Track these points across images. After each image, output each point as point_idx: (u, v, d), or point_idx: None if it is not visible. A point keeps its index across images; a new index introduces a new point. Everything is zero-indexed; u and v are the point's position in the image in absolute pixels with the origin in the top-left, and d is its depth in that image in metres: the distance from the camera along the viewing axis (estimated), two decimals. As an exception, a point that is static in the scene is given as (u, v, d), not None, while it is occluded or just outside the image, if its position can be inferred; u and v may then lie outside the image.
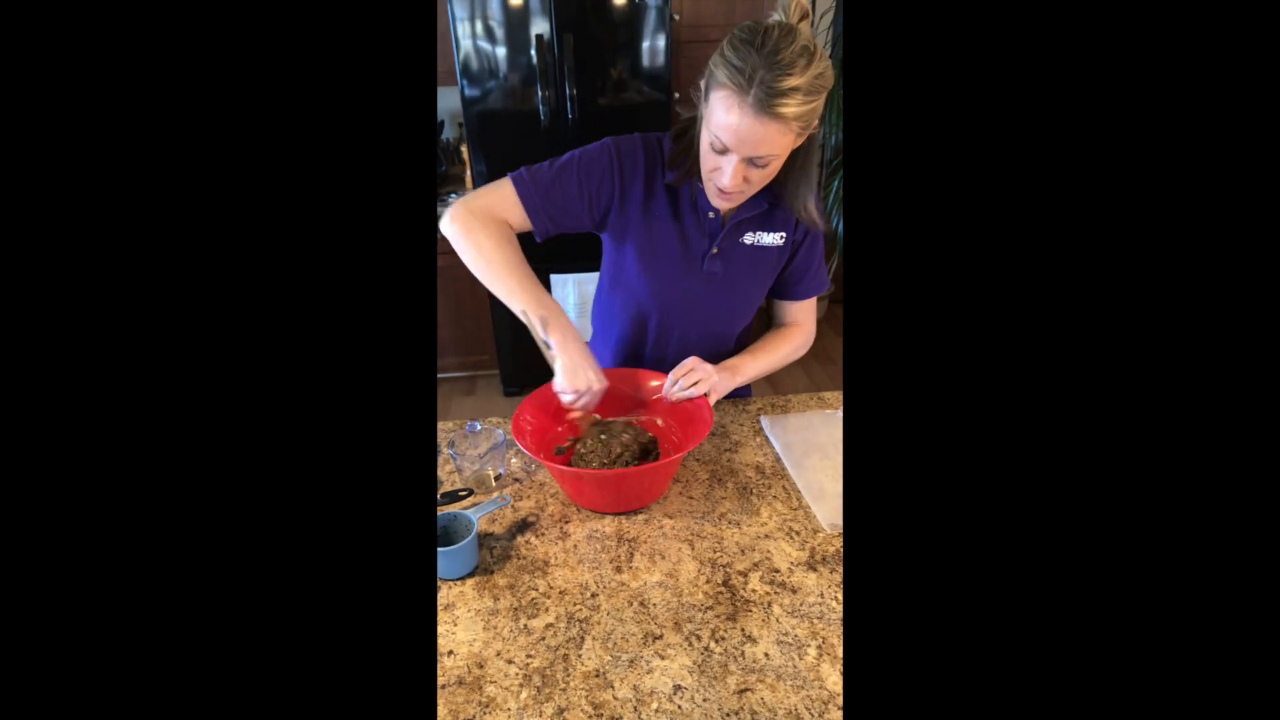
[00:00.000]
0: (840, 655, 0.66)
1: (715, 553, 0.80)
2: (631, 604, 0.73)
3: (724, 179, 0.81)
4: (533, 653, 0.67)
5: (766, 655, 0.67)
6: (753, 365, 1.02)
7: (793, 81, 0.71)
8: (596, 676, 0.65)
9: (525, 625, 0.70)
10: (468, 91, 2.16)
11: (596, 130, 2.22)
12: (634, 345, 1.08)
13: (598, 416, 0.97)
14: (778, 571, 0.77)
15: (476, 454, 0.92)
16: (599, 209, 0.95)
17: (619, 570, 0.78)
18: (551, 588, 0.75)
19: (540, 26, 2.08)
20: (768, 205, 0.95)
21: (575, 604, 0.73)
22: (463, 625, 0.71)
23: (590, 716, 0.61)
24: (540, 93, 2.16)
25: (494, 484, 0.93)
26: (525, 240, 0.94)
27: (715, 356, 1.02)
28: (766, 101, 0.72)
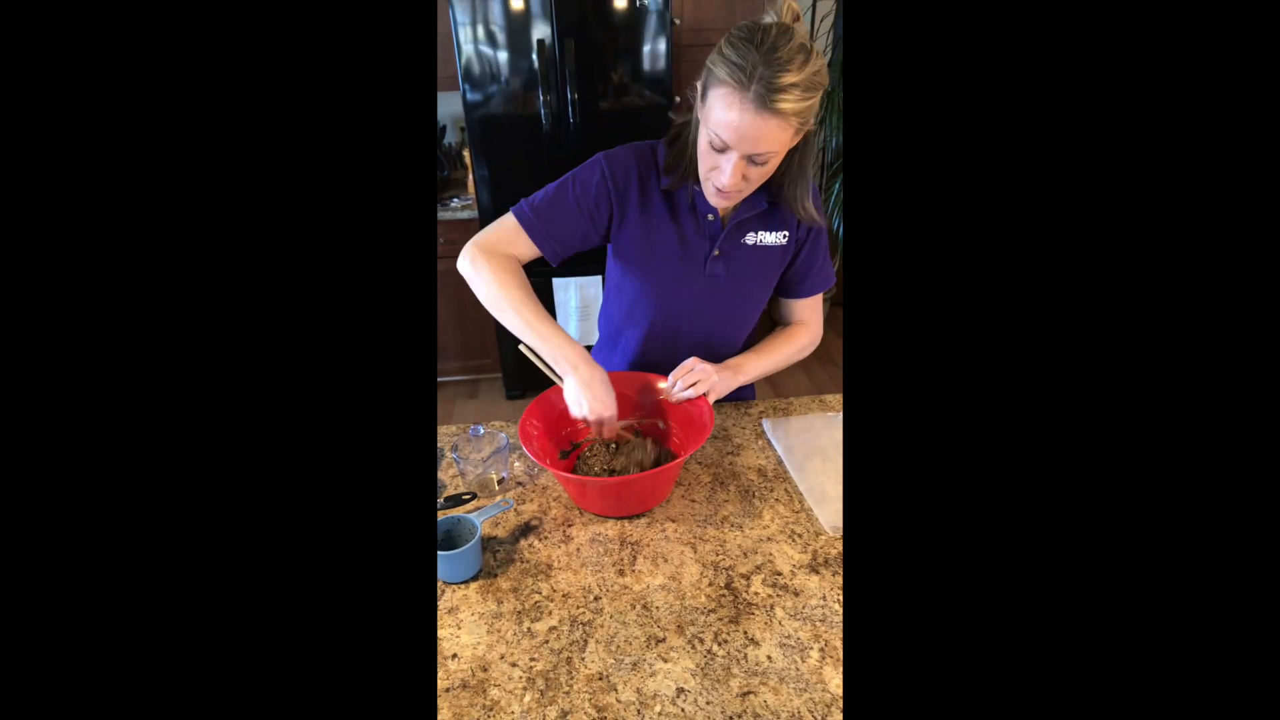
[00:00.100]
0: (842, 658, 0.67)
1: (718, 556, 0.80)
2: (634, 607, 0.73)
3: (723, 178, 0.82)
4: (536, 656, 0.68)
5: (769, 658, 0.67)
6: (756, 364, 1.02)
7: (791, 77, 0.72)
8: (600, 679, 0.65)
9: (529, 628, 0.71)
10: (470, 96, 2.17)
11: (598, 134, 2.23)
12: (639, 350, 1.09)
13: (624, 434, 0.97)
14: (780, 574, 0.77)
15: (480, 458, 0.92)
16: (601, 224, 0.96)
17: (622, 573, 0.78)
18: (555, 591, 0.76)
19: (542, 31, 2.09)
20: (767, 204, 0.95)
21: (578, 607, 0.73)
22: (466, 628, 0.71)
23: (593, 719, 0.61)
24: (542, 97, 2.17)
25: (497, 488, 0.93)
26: (537, 266, 0.96)
27: (721, 358, 1.02)
28: (766, 97, 0.73)
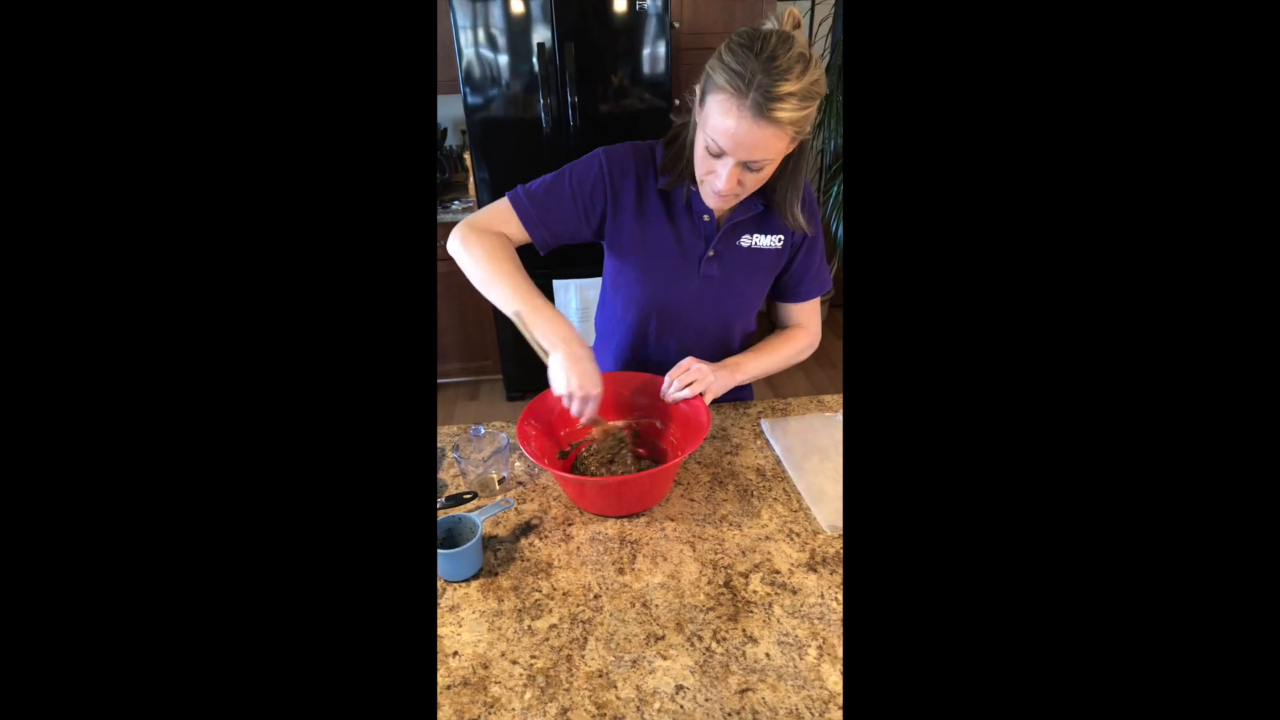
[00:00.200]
0: (840, 655, 0.67)
1: (716, 554, 0.81)
2: (634, 605, 0.74)
3: (719, 182, 0.83)
4: (536, 653, 0.68)
5: (767, 655, 0.67)
6: (754, 364, 1.03)
7: (790, 86, 0.73)
8: (600, 677, 0.66)
9: (529, 626, 0.71)
10: (470, 99, 2.18)
11: (598, 137, 2.24)
12: (635, 349, 1.10)
13: (606, 423, 0.98)
14: (778, 573, 0.78)
15: (480, 458, 0.93)
16: (594, 218, 0.97)
17: (621, 572, 0.79)
18: (555, 589, 0.76)
19: (542, 35, 2.10)
20: (763, 207, 0.96)
21: (578, 605, 0.74)
22: (467, 626, 0.71)
23: (594, 716, 0.62)
24: (542, 100, 2.18)
25: (498, 487, 0.94)
26: (530, 249, 0.96)
27: (717, 359, 1.03)
28: (764, 105, 0.73)
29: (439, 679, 0.66)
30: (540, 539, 0.84)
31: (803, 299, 1.07)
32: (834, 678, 0.65)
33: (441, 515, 0.82)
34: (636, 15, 2.11)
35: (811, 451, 0.98)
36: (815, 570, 0.78)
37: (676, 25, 2.33)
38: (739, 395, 1.17)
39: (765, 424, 1.05)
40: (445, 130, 2.80)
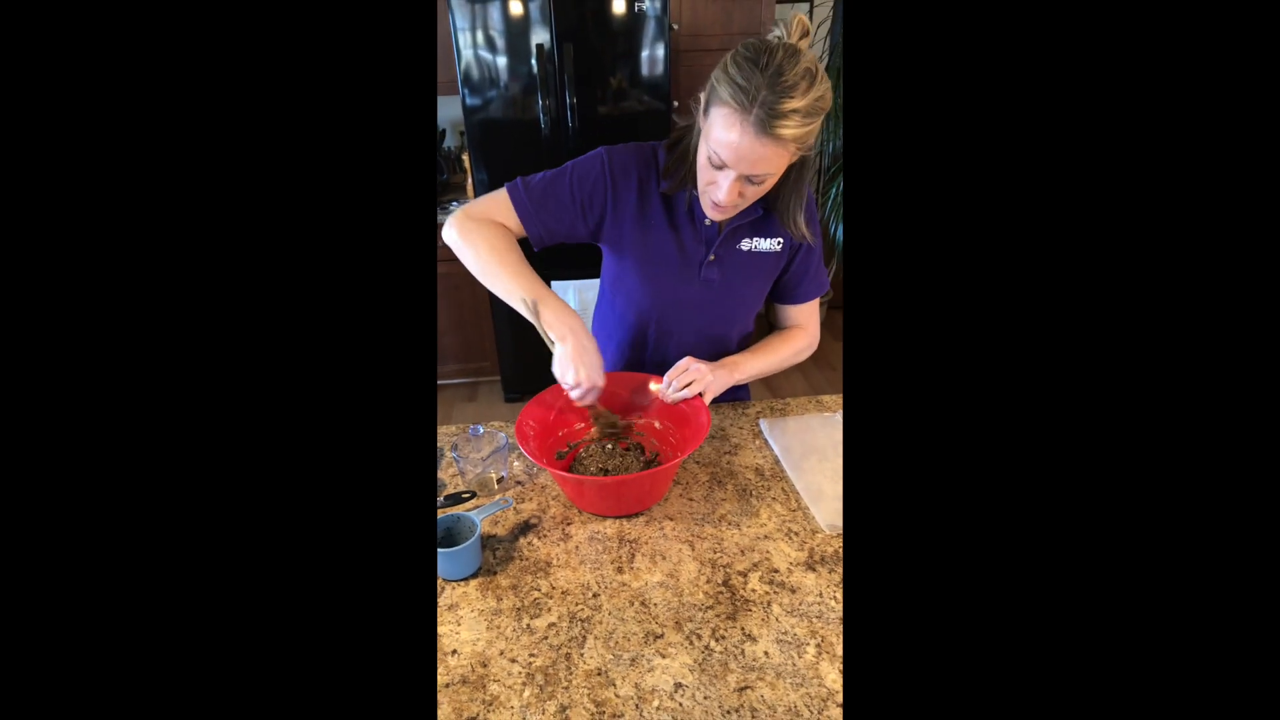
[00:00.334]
0: (838, 653, 0.67)
1: (715, 553, 0.81)
2: (633, 604, 0.74)
3: (720, 194, 0.83)
4: (535, 652, 0.68)
5: (766, 654, 0.67)
6: (752, 364, 1.03)
7: (794, 104, 0.72)
8: (598, 675, 0.66)
9: (528, 625, 0.71)
10: (469, 100, 2.18)
11: (597, 138, 2.24)
12: (634, 351, 1.10)
13: (606, 411, 0.98)
14: (777, 571, 0.78)
15: (479, 457, 0.93)
16: (592, 218, 0.96)
17: (620, 571, 0.79)
18: (554, 588, 0.76)
19: (540, 36, 2.10)
20: (763, 211, 0.96)
21: (577, 604, 0.74)
22: (466, 625, 0.72)
23: (592, 714, 0.62)
24: (541, 101, 2.19)
25: (496, 486, 0.94)
26: (527, 250, 0.96)
27: (715, 360, 1.03)
28: (767, 122, 0.73)
29: (438, 677, 0.66)
30: (539, 538, 0.84)
31: (801, 301, 1.08)
32: (832, 676, 0.65)
33: (440, 514, 0.82)
34: (635, 17, 2.11)
35: (810, 451, 0.98)
36: (814, 569, 0.78)
37: (675, 27, 2.34)
38: (737, 396, 1.17)
39: (764, 424, 1.06)
40: (444, 131, 2.80)
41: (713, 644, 0.69)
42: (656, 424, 0.99)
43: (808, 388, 2.83)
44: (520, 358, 2.58)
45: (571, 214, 0.95)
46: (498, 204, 0.94)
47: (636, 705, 0.62)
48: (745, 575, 0.78)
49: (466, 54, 2.12)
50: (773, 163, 0.78)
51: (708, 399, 0.94)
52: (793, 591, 0.75)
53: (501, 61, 2.14)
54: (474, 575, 0.78)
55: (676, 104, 2.29)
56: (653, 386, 0.99)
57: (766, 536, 0.84)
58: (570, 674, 0.66)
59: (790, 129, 0.73)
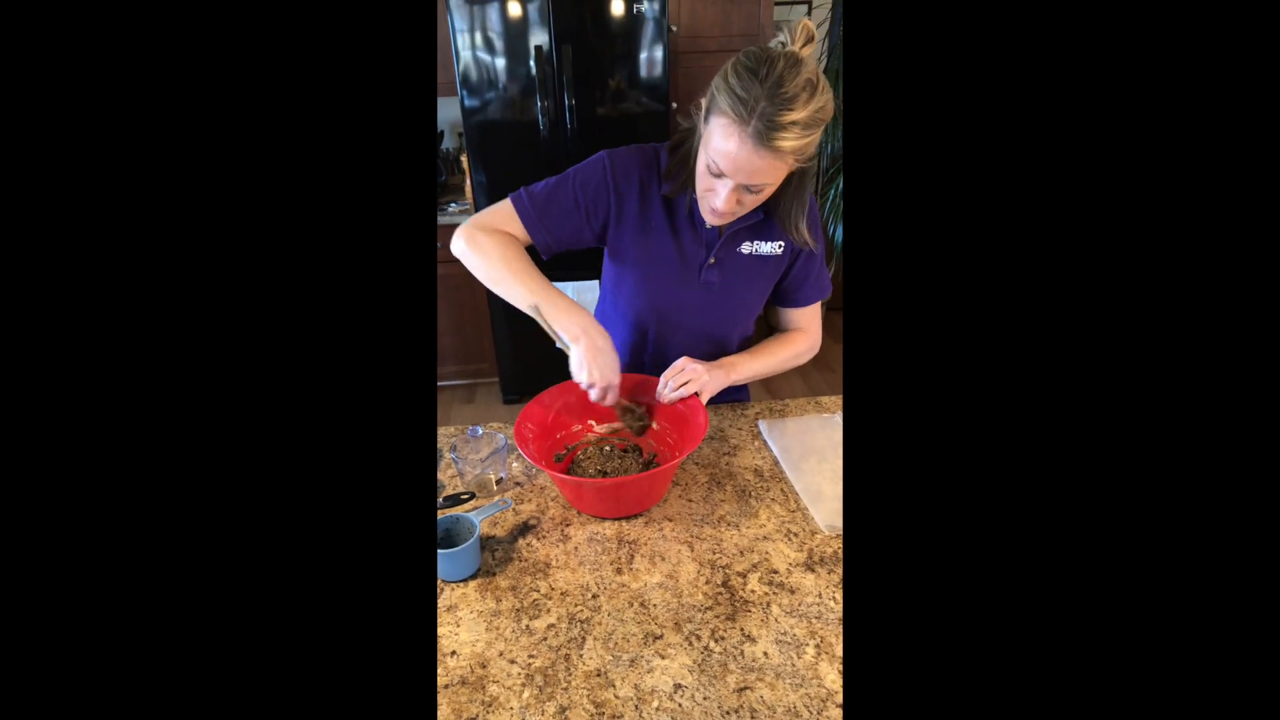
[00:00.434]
0: (838, 654, 0.67)
1: (714, 554, 0.81)
2: (632, 605, 0.74)
3: (718, 201, 0.83)
4: (535, 653, 0.68)
5: (765, 654, 0.68)
6: (749, 365, 1.03)
7: (793, 116, 0.72)
8: (598, 676, 0.66)
9: (527, 626, 0.71)
10: (468, 102, 2.18)
11: (595, 140, 2.25)
12: (634, 353, 1.10)
13: (633, 405, 0.98)
14: (776, 572, 0.78)
15: (478, 458, 0.93)
16: (597, 222, 0.96)
17: (619, 572, 0.79)
18: (553, 589, 0.76)
19: (539, 38, 2.10)
20: (764, 214, 0.96)
21: (576, 605, 0.74)
22: (465, 626, 0.72)
23: (592, 715, 0.62)
24: (539, 103, 2.19)
25: (495, 488, 0.94)
26: (536, 259, 0.96)
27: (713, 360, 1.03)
28: (766, 134, 0.72)
29: (437, 678, 0.66)
30: (538, 539, 0.84)
31: (803, 304, 1.08)
32: (831, 676, 0.65)
33: (439, 516, 0.82)
34: (634, 19, 2.11)
35: (809, 452, 0.98)
36: (813, 570, 0.78)
37: (674, 29, 2.34)
38: (736, 397, 1.17)
39: (763, 425, 1.06)
40: (442, 133, 2.80)
41: (712, 645, 0.69)
42: (655, 425, 0.99)
43: (806, 389, 2.84)
44: (519, 359, 2.58)
45: (576, 219, 0.95)
46: (503, 215, 0.94)
47: (636, 706, 0.62)
48: (744, 576, 0.78)
49: (465, 55, 2.12)
50: (770, 173, 0.78)
51: (704, 398, 0.94)
52: (792, 592, 0.75)
53: (500, 63, 2.14)
54: (473, 576, 0.78)
55: (675, 105, 2.29)
56: (652, 386, 0.99)
57: (766, 537, 0.84)
58: (569, 675, 0.66)
59: (789, 141, 0.73)
